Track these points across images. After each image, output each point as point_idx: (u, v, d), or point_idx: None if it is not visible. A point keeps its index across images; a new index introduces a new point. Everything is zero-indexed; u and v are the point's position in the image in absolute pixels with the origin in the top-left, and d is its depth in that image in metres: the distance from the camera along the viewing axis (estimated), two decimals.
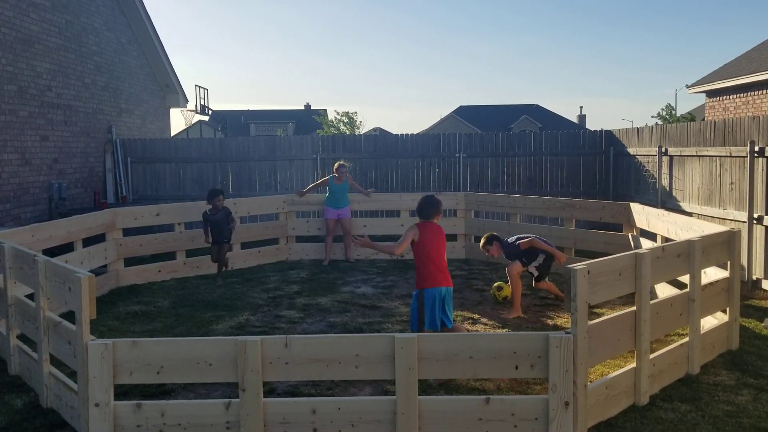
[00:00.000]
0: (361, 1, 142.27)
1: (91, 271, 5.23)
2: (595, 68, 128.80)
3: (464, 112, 56.10)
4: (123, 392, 4.93)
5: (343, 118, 44.57)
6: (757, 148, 8.24)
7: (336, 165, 11.06)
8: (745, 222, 8.37)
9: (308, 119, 53.86)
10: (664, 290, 7.51)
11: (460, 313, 7.60)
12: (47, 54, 11.83)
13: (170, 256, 9.97)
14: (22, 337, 5.88)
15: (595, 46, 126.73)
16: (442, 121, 55.84)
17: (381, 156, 13.67)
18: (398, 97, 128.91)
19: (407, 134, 13.97)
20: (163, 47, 16.73)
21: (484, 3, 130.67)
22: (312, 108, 58.63)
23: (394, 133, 15.18)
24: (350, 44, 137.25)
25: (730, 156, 8.82)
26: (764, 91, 16.48)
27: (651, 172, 11.36)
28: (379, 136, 15.77)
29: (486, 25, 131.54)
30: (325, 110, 49.85)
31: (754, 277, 8.36)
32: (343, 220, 10.93)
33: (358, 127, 44.32)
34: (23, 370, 5.70)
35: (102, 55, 13.96)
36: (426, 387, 5.16)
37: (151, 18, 15.98)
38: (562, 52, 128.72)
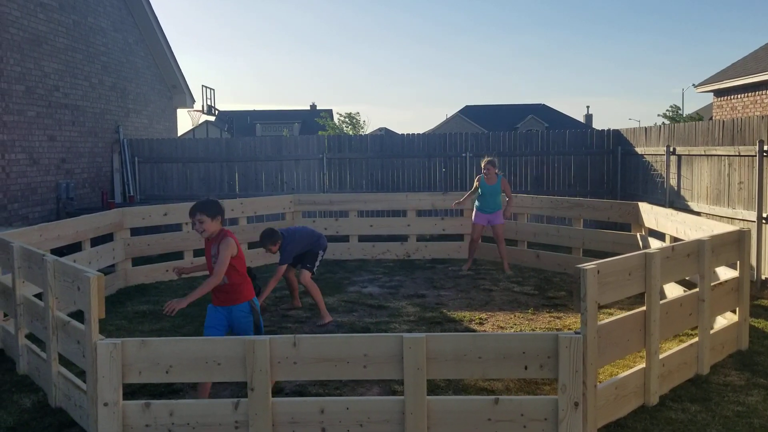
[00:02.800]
0: (367, 2, 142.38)
1: (99, 271, 5.24)
2: (601, 68, 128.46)
3: (470, 112, 55.99)
4: (131, 392, 4.94)
5: (346, 119, 44.55)
6: (766, 147, 8.19)
7: (483, 162, 9.93)
8: (754, 221, 8.33)
9: (314, 119, 53.83)
10: (674, 290, 7.48)
11: (467, 313, 7.59)
12: (55, 54, 11.87)
13: (178, 255, 9.98)
14: (30, 337, 5.90)
15: (601, 45, 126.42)
16: (448, 120, 55.76)
17: (387, 156, 13.66)
18: (404, 97, 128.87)
19: (413, 134, 13.96)
20: (170, 47, 16.77)
21: (488, 3, 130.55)
22: (318, 108, 58.60)
23: (399, 133, 15.18)
24: (356, 44, 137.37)
25: (739, 155, 8.78)
26: None
27: (659, 171, 11.31)
28: (385, 136, 15.76)
29: (491, 25, 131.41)
30: (329, 111, 49.84)
31: (763, 277, 8.32)
32: (495, 226, 9.89)
33: (362, 128, 44.31)
34: (32, 369, 5.71)
35: (109, 55, 14.00)
36: (434, 387, 5.15)
37: (158, 18, 16.04)
38: (568, 52, 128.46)
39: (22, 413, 5.00)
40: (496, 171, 9.90)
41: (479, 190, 9.92)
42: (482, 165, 9.91)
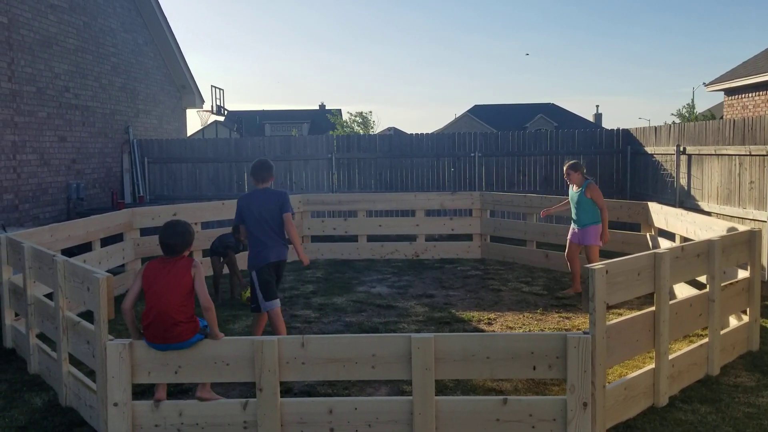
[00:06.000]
0: (376, 1, 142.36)
1: (108, 271, 5.27)
2: (611, 67, 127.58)
3: (479, 111, 55.88)
4: (141, 391, 4.96)
5: (357, 118, 44.59)
6: None
7: (566, 165, 8.61)
8: (765, 221, 8.27)
9: (323, 119, 53.87)
10: (683, 291, 7.44)
11: (476, 313, 7.58)
12: (65, 55, 11.94)
13: None
14: (41, 337, 5.94)
15: (610, 44, 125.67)
16: (457, 120, 55.66)
17: (396, 156, 13.66)
18: (412, 97, 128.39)
19: (422, 134, 13.95)
20: (179, 48, 16.83)
21: (497, 1, 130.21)
22: (326, 108, 58.67)
23: (408, 132, 15.18)
24: (365, 44, 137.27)
25: (750, 155, 8.72)
26: None
27: (669, 171, 11.25)
28: (394, 135, 15.75)
29: (499, 24, 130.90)
30: (339, 110, 49.89)
31: None
32: (585, 247, 8.23)
33: (372, 128, 44.31)
34: (43, 369, 5.75)
35: (119, 56, 14.07)
36: (443, 387, 5.15)
37: (168, 18, 16.10)
38: (578, 51, 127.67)
39: (33, 412, 5.03)
40: (584, 175, 8.42)
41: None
42: (564, 170, 8.56)
